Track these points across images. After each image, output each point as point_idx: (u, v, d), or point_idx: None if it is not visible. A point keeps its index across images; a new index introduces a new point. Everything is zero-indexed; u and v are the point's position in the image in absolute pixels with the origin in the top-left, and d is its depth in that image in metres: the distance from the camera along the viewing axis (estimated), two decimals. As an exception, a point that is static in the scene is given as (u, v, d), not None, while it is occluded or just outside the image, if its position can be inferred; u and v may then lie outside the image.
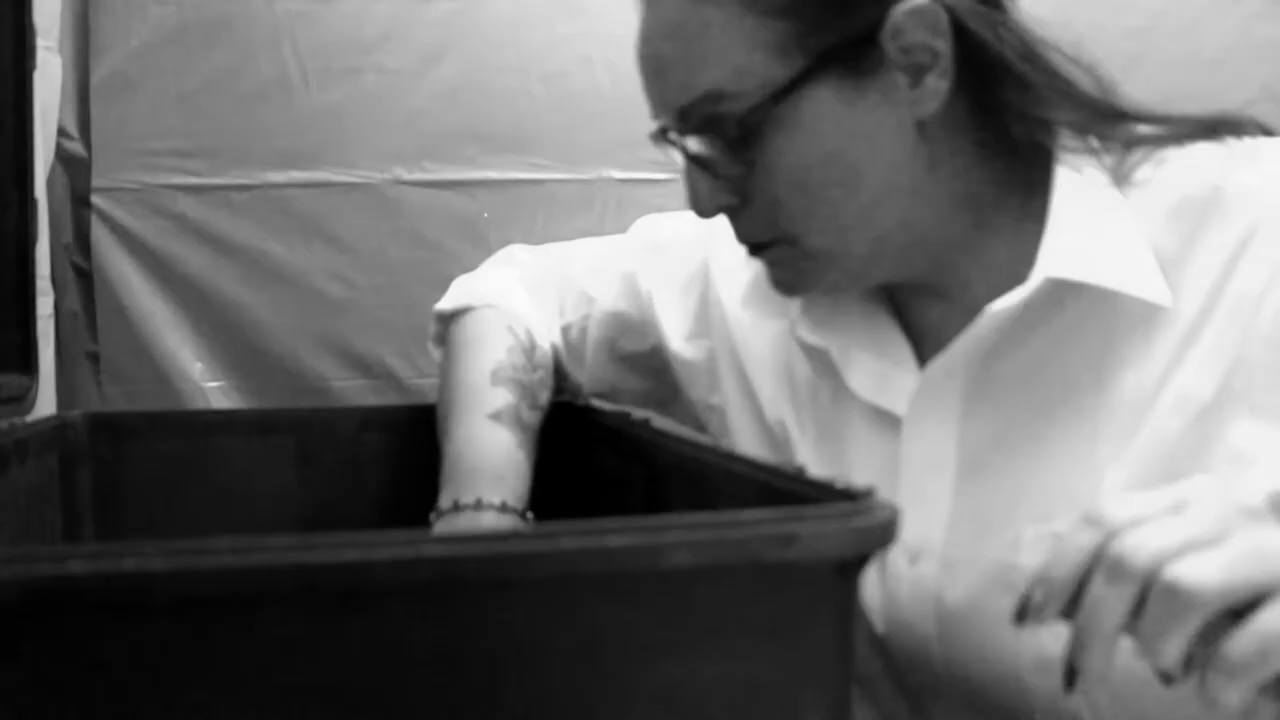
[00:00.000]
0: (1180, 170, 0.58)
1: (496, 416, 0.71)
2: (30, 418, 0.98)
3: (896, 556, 0.62)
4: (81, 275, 1.39)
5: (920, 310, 0.66)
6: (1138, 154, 0.59)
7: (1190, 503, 0.42)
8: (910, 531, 0.61)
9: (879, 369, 0.65)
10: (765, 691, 0.38)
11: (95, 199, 1.38)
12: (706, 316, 0.76)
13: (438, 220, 1.44)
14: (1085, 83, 0.59)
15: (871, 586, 0.64)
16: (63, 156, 1.36)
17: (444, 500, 0.66)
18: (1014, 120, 0.59)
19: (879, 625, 0.64)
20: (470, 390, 0.73)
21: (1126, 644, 0.55)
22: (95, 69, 1.37)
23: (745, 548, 0.36)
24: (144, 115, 1.38)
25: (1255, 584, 0.39)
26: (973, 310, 0.59)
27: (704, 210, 0.62)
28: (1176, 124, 0.60)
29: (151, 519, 0.75)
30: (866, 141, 0.58)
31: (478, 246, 1.37)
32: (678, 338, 0.77)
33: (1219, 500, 0.42)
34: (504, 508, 0.65)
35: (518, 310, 0.79)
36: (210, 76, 1.39)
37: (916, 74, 0.57)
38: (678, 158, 0.63)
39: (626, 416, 0.72)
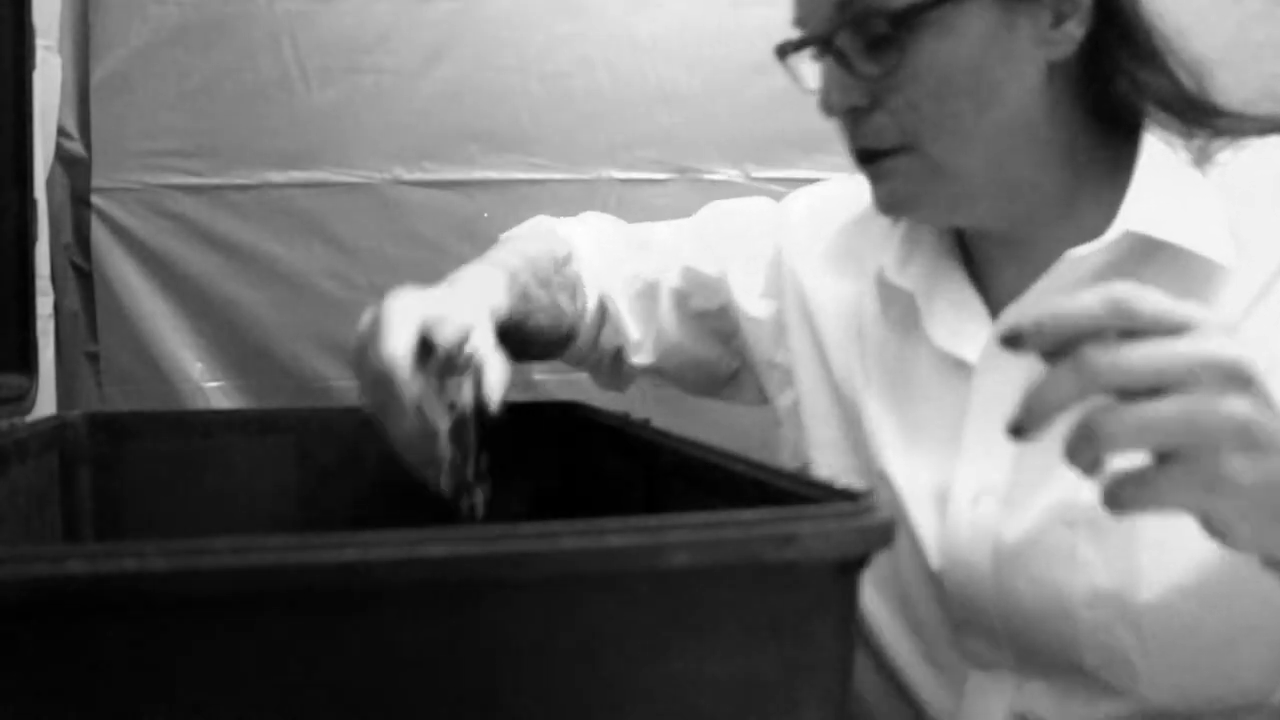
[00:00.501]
0: (1259, 155, 0.63)
1: (493, 264, 0.74)
2: (30, 418, 0.98)
3: (959, 496, 0.65)
4: (81, 275, 1.39)
5: (996, 268, 0.69)
6: (1221, 141, 0.63)
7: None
8: (974, 474, 0.64)
9: (954, 318, 0.68)
10: (765, 690, 0.38)
11: (95, 199, 1.38)
12: (778, 279, 0.79)
13: (438, 220, 1.44)
14: (1183, 77, 0.64)
15: (929, 523, 0.66)
16: (63, 156, 1.36)
17: None
18: (1125, 86, 0.63)
19: (934, 560, 0.65)
20: (483, 256, 0.76)
21: (1171, 586, 0.57)
22: (95, 69, 1.37)
23: (745, 547, 0.36)
24: (144, 115, 1.38)
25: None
26: (1046, 269, 0.63)
27: (833, 107, 0.64)
28: (1262, 121, 0.64)
29: (151, 519, 0.75)
30: (1006, 65, 0.61)
31: (478, 246, 1.36)
32: (748, 296, 0.80)
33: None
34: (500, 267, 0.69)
35: (567, 237, 0.83)
36: (210, 76, 1.39)
37: (1059, 17, 0.60)
38: (807, 74, 0.66)
39: (626, 417, 0.72)
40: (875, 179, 0.66)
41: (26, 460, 0.67)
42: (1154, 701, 0.60)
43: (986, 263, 0.70)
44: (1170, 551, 0.58)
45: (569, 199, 1.45)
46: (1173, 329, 0.42)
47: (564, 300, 0.79)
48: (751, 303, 0.80)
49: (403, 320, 0.60)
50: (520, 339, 0.75)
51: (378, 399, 0.60)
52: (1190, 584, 0.58)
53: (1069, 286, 0.62)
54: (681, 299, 0.83)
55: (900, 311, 0.71)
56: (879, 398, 0.71)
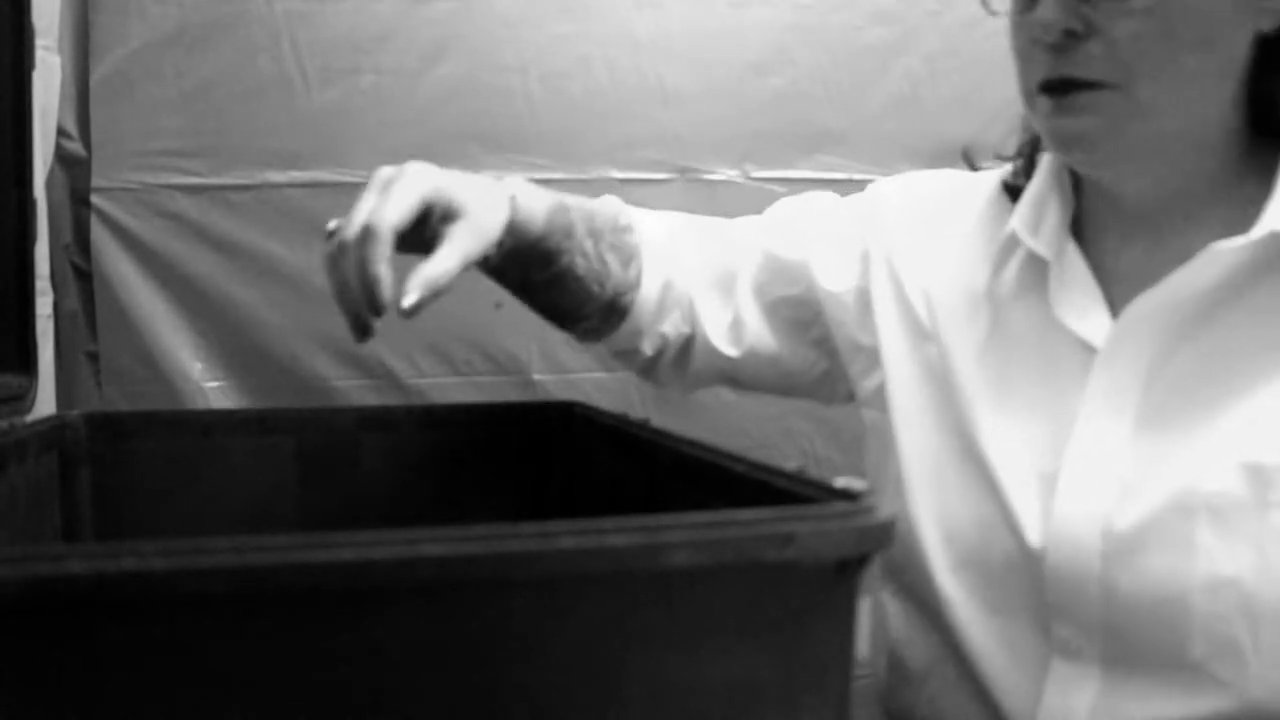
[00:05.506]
0: None
1: (550, 192, 0.74)
2: (30, 418, 0.98)
3: (1070, 480, 0.64)
4: (81, 275, 1.39)
5: (1118, 248, 0.68)
6: None
7: None
8: (1088, 459, 0.64)
9: (1075, 294, 0.67)
10: (765, 691, 0.38)
11: (95, 199, 1.38)
12: (865, 257, 0.78)
13: (438, 220, 1.43)
14: None
15: (1030, 503, 0.65)
16: (62, 156, 1.36)
17: None
18: None
19: (1035, 540, 0.65)
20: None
21: None
22: (95, 69, 1.37)
23: (744, 547, 0.36)
24: (144, 115, 1.38)
25: None
26: (1178, 259, 0.63)
27: (1049, 27, 0.62)
28: None
29: (151, 519, 0.75)
30: (1231, 22, 0.61)
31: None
32: (832, 275, 0.79)
33: None
34: (499, 178, 0.69)
35: (632, 214, 0.82)
36: (210, 76, 1.39)
37: None
38: None
39: (626, 416, 0.72)
40: (1063, 112, 0.64)
41: (26, 460, 0.67)
42: (1255, 696, 0.59)
43: (1106, 242, 0.69)
44: None
45: (569, 199, 1.44)
46: None
47: (613, 260, 0.77)
48: (835, 281, 0.79)
49: (411, 190, 0.62)
50: (551, 279, 0.74)
51: (348, 253, 0.60)
52: None
53: (1208, 280, 0.62)
54: (760, 288, 0.81)
55: (1017, 277, 0.70)
56: (977, 368, 0.70)
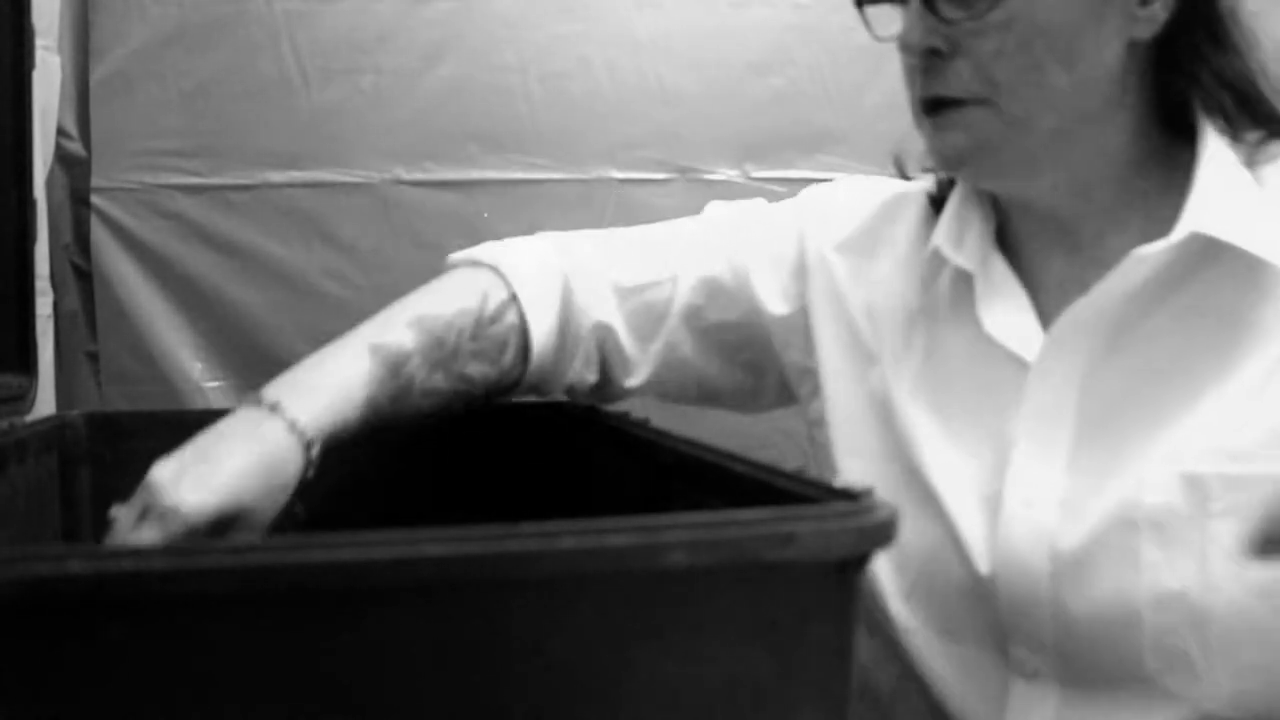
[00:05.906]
0: None
1: (375, 349, 0.67)
2: (30, 418, 0.98)
3: (1011, 499, 0.64)
4: (81, 275, 1.39)
5: (1041, 258, 0.68)
6: (1275, 146, 0.63)
7: None
8: (1028, 476, 0.63)
9: (1002, 307, 0.67)
10: (764, 691, 0.38)
11: (95, 199, 1.38)
12: (804, 277, 0.76)
13: (438, 220, 1.44)
14: (1260, 71, 0.63)
15: (976, 526, 0.65)
16: (62, 156, 1.36)
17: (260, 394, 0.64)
18: (1205, 77, 0.62)
19: (983, 566, 0.64)
20: (380, 319, 0.69)
21: (1246, 588, 0.57)
22: (95, 69, 1.37)
23: (744, 547, 0.36)
24: (144, 115, 1.38)
25: None
26: (1101, 265, 0.62)
27: (913, 46, 0.63)
28: None
29: (151, 519, 0.75)
30: (1093, 32, 0.61)
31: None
32: (776, 299, 0.77)
33: None
34: (293, 427, 0.62)
35: (511, 270, 0.74)
36: (210, 76, 1.39)
37: None
38: (880, 19, 0.65)
39: (626, 416, 0.72)
40: (941, 130, 0.64)
41: (26, 460, 0.67)
42: (1208, 708, 0.59)
43: (1030, 252, 0.68)
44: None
45: (569, 199, 1.45)
46: None
47: (477, 369, 0.71)
48: (779, 304, 0.76)
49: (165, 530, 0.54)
50: (404, 422, 0.69)
51: None
52: (1263, 586, 0.57)
53: (1133, 285, 0.62)
54: (694, 313, 0.77)
55: (946, 292, 0.69)
56: (917, 387, 0.69)
